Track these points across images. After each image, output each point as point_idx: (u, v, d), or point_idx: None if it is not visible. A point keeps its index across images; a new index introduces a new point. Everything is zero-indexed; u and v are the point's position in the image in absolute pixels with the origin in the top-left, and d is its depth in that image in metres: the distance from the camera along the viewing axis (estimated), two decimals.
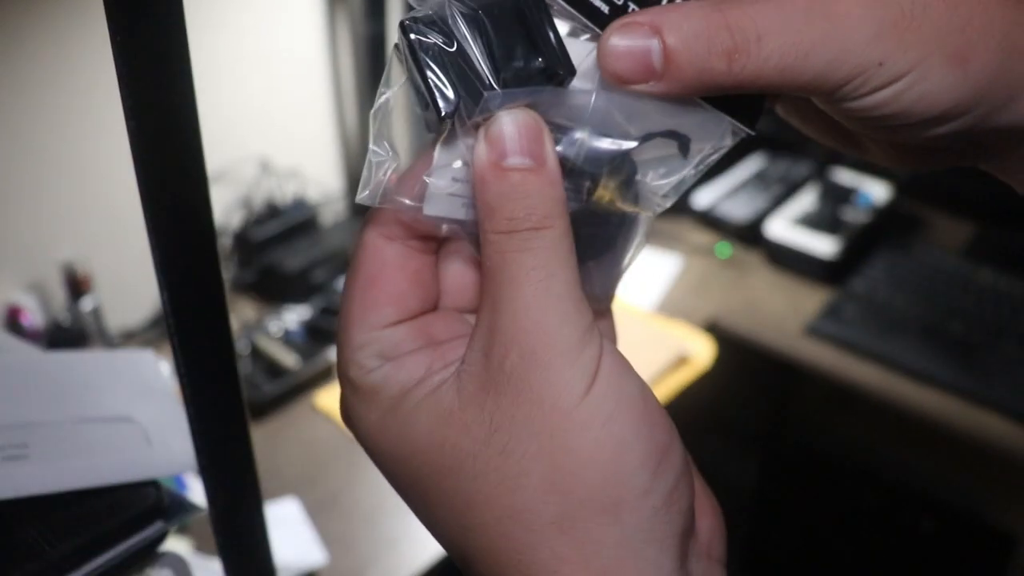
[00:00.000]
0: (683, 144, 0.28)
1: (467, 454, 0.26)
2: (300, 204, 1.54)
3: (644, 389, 0.27)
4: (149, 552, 0.40)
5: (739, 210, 1.62)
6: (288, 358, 1.29)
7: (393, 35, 1.58)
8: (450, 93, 0.25)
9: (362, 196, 0.27)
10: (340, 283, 1.47)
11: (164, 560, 0.41)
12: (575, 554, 0.25)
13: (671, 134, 0.28)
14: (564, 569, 0.25)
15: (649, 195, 0.29)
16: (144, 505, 0.40)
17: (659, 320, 1.42)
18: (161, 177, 0.32)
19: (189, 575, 0.41)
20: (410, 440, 0.27)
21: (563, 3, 0.26)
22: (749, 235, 1.60)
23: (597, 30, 0.26)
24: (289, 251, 1.47)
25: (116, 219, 1.32)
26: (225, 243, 1.48)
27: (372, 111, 0.27)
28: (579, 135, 0.27)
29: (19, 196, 1.25)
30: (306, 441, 1.21)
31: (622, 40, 0.25)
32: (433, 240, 0.30)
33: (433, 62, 0.25)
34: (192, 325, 0.35)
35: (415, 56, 0.25)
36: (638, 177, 0.29)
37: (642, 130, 0.27)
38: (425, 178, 0.27)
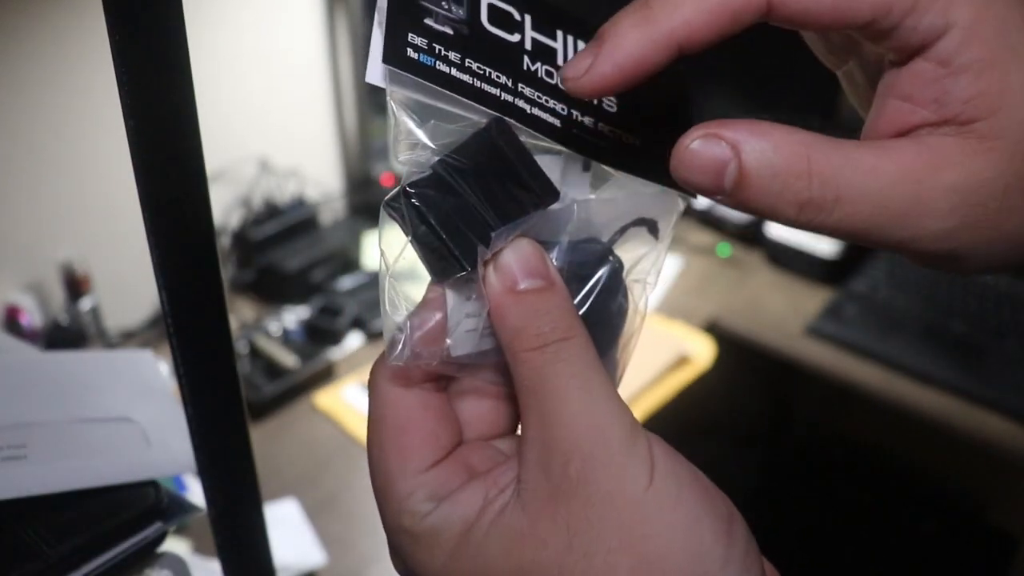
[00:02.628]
0: (652, 227, 0.30)
1: (551, 565, 0.26)
2: (299, 204, 1.54)
3: (692, 467, 0.28)
4: (148, 553, 0.40)
5: None
6: (287, 358, 1.29)
7: None
8: (464, 245, 0.27)
9: (395, 359, 0.28)
10: (339, 283, 1.47)
11: (163, 561, 0.41)
12: None
13: (640, 221, 0.30)
14: None
15: (636, 283, 0.32)
16: (143, 506, 0.39)
17: (659, 320, 1.41)
18: (160, 177, 0.32)
19: None
20: (487, 570, 0.27)
21: (521, 125, 0.28)
22: (750, 235, 1.60)
23: (555, 145, 0.29)
24: (288, 251, 1.47)
25: (115, 219, 1.32)
26: (224, 243, 1.48)
27: (381, 282, 0.29)
28: (564, 245, 0.30)
29: (18, 196, 1.25)
30: (305, 441, 1.21)
31: (701, 149, 0.25)
32: (444, 378, 0.31)
33: (440, 221, 0.27)
34: (191, 325, 0.35)
35: (423, 219, 0.27)
36: (624, 271, 0.31)
37: (614, 224, 0.30)
38: (449, 326, 0.29)
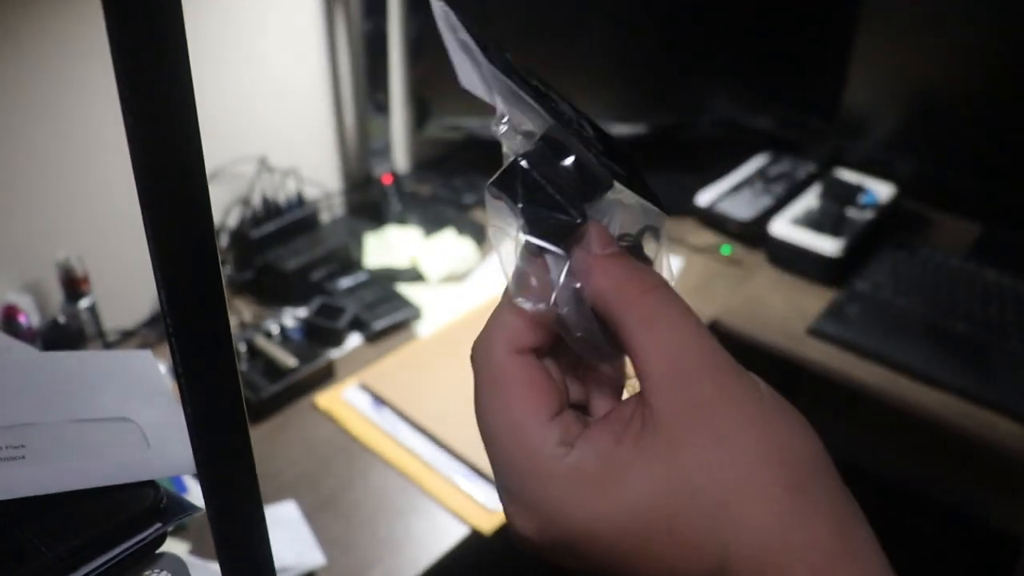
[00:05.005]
0: (655, 232, 0.37)
1: (707, 463, 0.30)
2: (298, 203, 1.53)
3: None
4: (147, 554, 0.40)
5: (741, 209, 1.62)
6: (287, 358, 1.29)
7: (392, 32, 1.58)
8: (572, 203, 0.33)
9: (529, 305, 0.33)
10: (339, 282, 1.46)
11: (162, 562, 0.40)
12: (818, 500, 0.30)
13: (649, 227, 0.37)
14: (817, 518, 0.30)
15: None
16: (142, 506, 0.39)
17: None
18: (159, 175, 0.32)
19: None
20: (641, 485, 0.30)
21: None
22: (752, 234, 1.60)
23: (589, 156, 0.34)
24: (287, 250, 1.47)
25: (114, 218, 1.32)
26: (223, 242, 1.48)
27: (499, 250, 0.34)
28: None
29: (16, 195, 1.25)
30: (305, 442, 1.21)
31: None
32: (540, 352, 0.35)
33: (551, 183, 0.33)
34: (190, 325, 0.35)
35: (536, 184, 0.33)
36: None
37: (632, 230, 0.37)
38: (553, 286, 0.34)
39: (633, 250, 0.36)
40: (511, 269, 0.34)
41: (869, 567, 0.30)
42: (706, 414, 0.30)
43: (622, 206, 0.36)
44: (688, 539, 0.30)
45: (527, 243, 0.33)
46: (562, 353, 0.36)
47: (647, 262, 0.36)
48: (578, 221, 0.33)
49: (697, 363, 0.31)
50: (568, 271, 0.33)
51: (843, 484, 0.32)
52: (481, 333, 0.35)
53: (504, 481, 0.33)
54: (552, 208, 0.33)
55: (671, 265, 0.37)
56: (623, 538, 0.30)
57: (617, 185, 0.35)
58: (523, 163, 0.33)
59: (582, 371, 0.37)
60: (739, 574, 0.29)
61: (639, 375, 0.32)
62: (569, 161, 0.33)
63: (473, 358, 0.35)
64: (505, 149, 0.34)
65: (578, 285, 0.34)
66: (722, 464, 0.30)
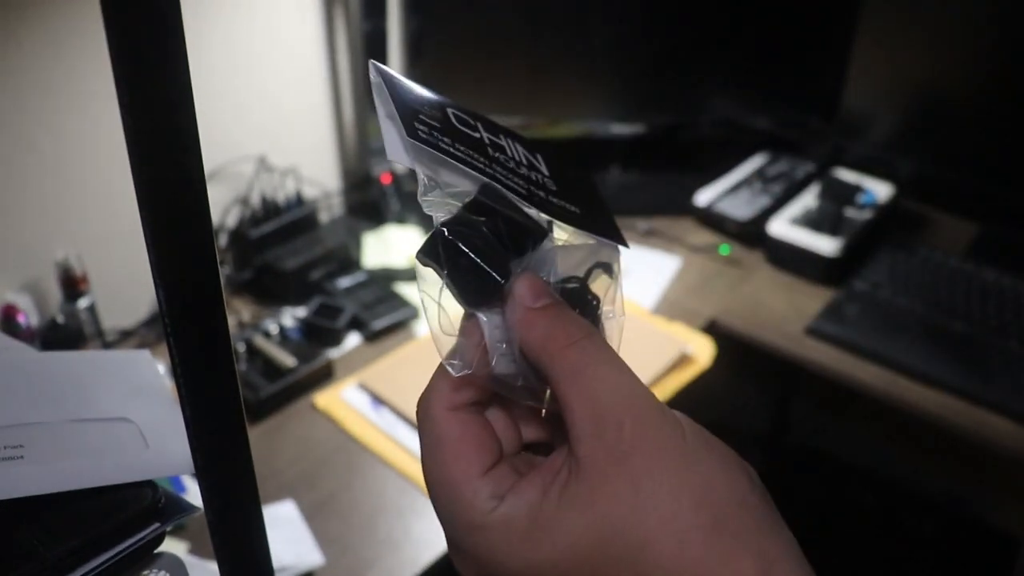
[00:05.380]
0: (608, 268, 0.37)
1: (624, 511, 0.31)
2: (297, 203, 1.53)
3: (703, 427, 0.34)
4: (146, 554, 0.40)
5: (740, 209, 1.62)
6: (285, 358, 1.29)
7: (392, 32, 1.58)
8: (495, 265, 0.34)
9: (457, 373, 0.34)
10: (338, 282, 1.46)
11: (161, 562, 0.40)
12: (737, 543, 0.31)
13: (600, 264, 0.37)
14: (736, 561, 0.30)
15: (607, 319, 0.38)
16: (140, 506, 0.39)
17: (659, 320, 1.41)
18: (158, 176, 0.32)
19: None
20: (566, 536, 0.31)
21: (504, 190, 0.35)
22: (750, 234, 1.60)
23: (529, 207, 0.36)
24: (286, 250, 1.47)
25: (113, 218, 1.32)
26: (222, 242, 1.48)
27: (430, 320, 0.35)
28: (550, 283, 0.36)
29: (15, 195, 1.25)
30: (304, 442, 1.21)
31: None
32: (481, 404, 0.36)
33: (472, 248, 0.33)
34: (189, 325, 0.35)
35: (458, 250, 0.33)
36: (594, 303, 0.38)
37: (578, 268, 0.37)
38: (488, 348, 0.35)
39: (576, 293, 0.36)
40: (438, 334, 0.35)
41: None
42: (623, 461, 0.31)
43: (565, 250, 0.36)
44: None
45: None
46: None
47: (595, 301, 0.36)
48: (501, 282, 0.34)
49: (617, 411, 0.32)
50: (497, 329, 0.34)
51: (776, 517, 0.32)
52: (423, 392, 0.36)
53: (446, 530, 0.35)
54: (474, 272, 0.34)
55: (623, 299, 0.37)
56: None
57: (558, 230, 0.36)
58: (444, 231, 0.34)
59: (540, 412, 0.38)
60: None
61: (567, 425, 0.33)
62: (494, 221, 0.34)
63: (416, 416, 0.36)
64: (434, 218, 0.35)
65: (504, 345, 0.34)
66: (640, 509, 0.30)
